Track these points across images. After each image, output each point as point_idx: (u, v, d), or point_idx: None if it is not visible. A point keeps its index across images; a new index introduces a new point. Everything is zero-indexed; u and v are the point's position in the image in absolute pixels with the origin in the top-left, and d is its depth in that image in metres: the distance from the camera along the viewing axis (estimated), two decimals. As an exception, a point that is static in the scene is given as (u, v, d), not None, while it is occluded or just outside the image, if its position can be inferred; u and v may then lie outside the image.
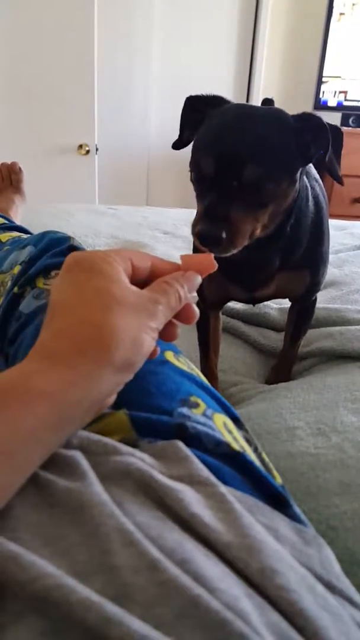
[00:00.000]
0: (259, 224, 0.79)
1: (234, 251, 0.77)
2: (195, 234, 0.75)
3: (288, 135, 0.77)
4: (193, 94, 0.89)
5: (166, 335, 0.50)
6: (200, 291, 1.07)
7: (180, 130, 0.90)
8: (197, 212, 0.78)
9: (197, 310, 0.51)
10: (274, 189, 0.77)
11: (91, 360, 0.39)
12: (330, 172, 0.83)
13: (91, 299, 0.42)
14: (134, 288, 0.44)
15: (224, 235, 0.73)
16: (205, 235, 0.74)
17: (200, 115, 0.84)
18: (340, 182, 0.84)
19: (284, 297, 1.11)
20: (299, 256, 0.95)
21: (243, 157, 0.75)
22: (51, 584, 0.31)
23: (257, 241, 0.84)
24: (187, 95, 0.90)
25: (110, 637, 0.29)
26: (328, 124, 0.80)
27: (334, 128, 0.81)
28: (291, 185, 0.81)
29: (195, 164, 0.79)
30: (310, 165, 1.03)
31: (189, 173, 0.80)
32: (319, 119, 0.79)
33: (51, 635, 0.30)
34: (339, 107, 3.72)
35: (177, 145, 0.91)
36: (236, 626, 0.30)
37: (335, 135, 0.81)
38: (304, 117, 0.79)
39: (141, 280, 0.48)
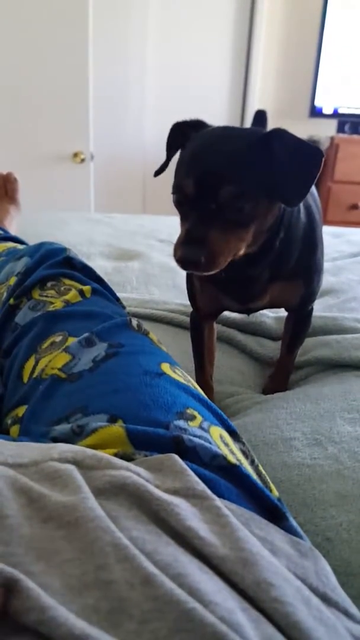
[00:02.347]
0: (243, 243, 0.80)
1: (216, 271, 0.78)
2: (177, 259, 0.77)
3: (262, 153, 0.77)
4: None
5: None
6: (193, 302, 1.08)
7: (167, 156, 0.91)
8: (178, 236, 0.79)
9: None
10: (253, 208, 0.77)
11: None
12: (281, 189, 0.80)
13: None
14: None
15: (202, 259, 0.75)
16: (184, 260, 0.76)
17: (184, 139, 0.85)
18: (288, 205, 0.83)
19: (279, 307, 1.12)
20: (291, 267, 0.95)
21: (218, 178, 0.75)
22: (40, 618, 0.31)
23: (245, 257, 0.84)
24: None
25: None
26: (303, 141, 0.80)
27: (307, 147, 0.80)
28: (272, 203, 0.81)
29: (176, 186, 0.80)
30: None
31: (172, 196, 0.82)
32: (287, 133, 0.79)
33: None
34: (335, 115, 3.74)
35: (162, 169, 0.92)
36: (231, 639, 0.31)
37: (306, 153, 0.80)
38: (274, 133, 0.79)
39: None
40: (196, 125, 0.86)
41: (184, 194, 0.78)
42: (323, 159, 0.79)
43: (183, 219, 0.81)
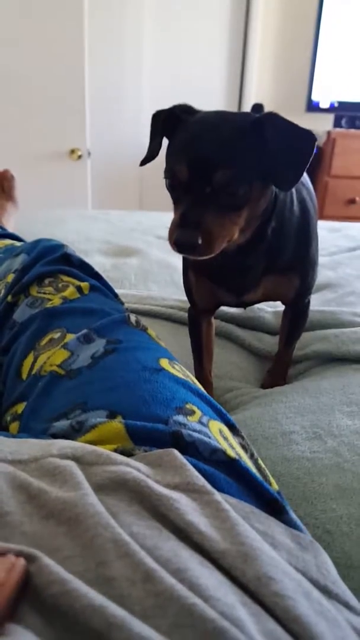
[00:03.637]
0: (236, 227, 0.80)
1: (212, 255, 0.78)
2: (173, 242, 0.76)
3: (255, 136, 0.77)
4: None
5: None
6: (190, 297, 1.08)
7: (150, 144, 0.91)
8: (172, 220, 0.79)
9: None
10: (246, 191, 0.77)
11: None
12: (274, 173, 0.80)
13: None
14: None
15: (199, 241, 0.74)
16: (181, 243, 0.76)
17: (170, 126, 0.85)
18: (281, 189, 0.84)
19: (275, 300, 1.12)
20: (285, 260, 0.95)
21: (213, 162, 0.76)
22: (62, 589, 0.32)
23: (238, 246, 0.84)
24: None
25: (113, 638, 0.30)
26: (295, 125, 0.79)
27: (299, 131, 0.79)
28: (266, 187, 0.81)
29: (169, 171, 0.80)
30: None
31: (165, 181, 0.81)
32: (278, 117, 0.79)
33: None
34: (331, 109, 3.73)
35: (145, 161, 0.92)
36: (231, 635, 0.31)
37: (299, 137, 0.79)
38: (266, 116, 0.79)
39: None
40: (183, 110, 0.86)
41: (177, 179, 0.78)
42: (315, 143, 0.79)
43: (176, 203, 0.81)
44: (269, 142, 0.77)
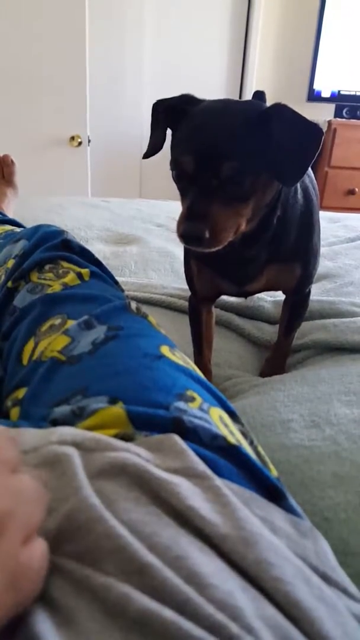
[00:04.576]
0: (243, 219, 0.79)
1: (219, 247, 0.78)
2: (180, 234, 0.77)
3: (262, 128, 0.77)
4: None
5: None
6: (191, 285, 1.08)
7: (152, 135, 0.90)
8: (181, 212, 0.79)
9: None
10: (254, 182, 0.77)
11: None
12: (279, 167, 0.79)
13: None
14: None
15: (207, 234, 0.74)
16: (188, 235, 0.76)
17: (174, 117, 0.84)
18: (285, 184, 0.83)
19: (276, 290, 1.12)
20: (288, 249, 0.95)
21: (219, 154, 0.75)
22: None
23: (242, 235, 0.84)
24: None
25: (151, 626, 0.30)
26: (303, 118, 0.79)
27: (307, 125, 0.79)
28: (271, 179, 0.81)
29: (174, 162, 0.79)
30: None
31: (171, 172, 0.81)
32: (287, 109, 0.79)
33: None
34: (333, 98, 3.72)
35: (149, 154, 0.91)
36: (228, 630, 0.31)
37: (306, 131, 0.79)
38: (274, 108, 0.79)
39: None
40: (184, 101, 0.85)
41: (183, 170, 0.78)
42: (322, 137, 0.79)
43: (183, 195, 0.81)
44: (276, 134, 0.76)
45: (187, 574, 0.34)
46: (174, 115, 0.84)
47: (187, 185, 0.79)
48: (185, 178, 0.79)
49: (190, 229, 0.75)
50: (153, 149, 0.90)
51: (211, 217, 0.75)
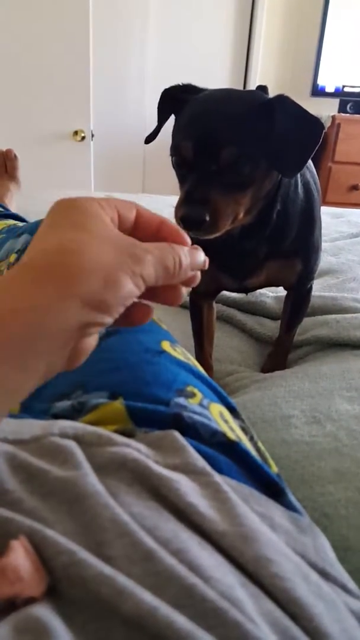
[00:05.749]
0: (242, 207, 0.79)
1: (218, 234, 0.77)
2: (179, 217, 0.75)
3: (263, 117, 0.77)
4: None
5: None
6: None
7: (158, 121, 0.90)
8: (179, 197, 0.78)
9: (183, 291, 0.48)
10: (253, 170, 0.77)
11: (53, 289, 0.34)
12: (279, 158, 0.79)
13: (65, 231, 0.38)
14: (118, 231, 0.40)
15: (207, 217, 0.73)
16: (187, 218, 0.74)
17: (177, 104, 0.84)
18: (284, 175, 0.83)
19: (277, 286, 1.12)
20: (288, 244, 0.95)
21: (220, 140, 0.75)
22: (67, 560, 0.32)
23: (242, 228, 0.83)
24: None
25: (123, 608, 0.30)
26: (305, 111, 0.79)
27: (308, 117, 0.79)
28: (271, 169, 0.81)
29: (175, 148, 0.79)
30: None
31: (171, 158, 0.81)
32: (290, 101, 0.79)
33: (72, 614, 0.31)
34: (337, 93, 3.70)
35: (150, 138, 0.91)
36: (231, 615, 0.31)
37: (307, 123, 0.79)
38: (277, 98, 0.78)
39: (126, 231, 0.43)
40: (188, 90, 0.85)
41: (183, 156, 0.78)
42: (324, 131, 0.78)
43: (182, 181, 0.80)
44: (277, 125, 0.76)
45: (189, 566, 0.34)
46: (176, 103, 0.84)
47: (186, 171, 0.78)
48: (185, 164, 0.78)
49: (190, 212, 0.74)
50: (153, 135, 0.90)
51: (211, 202, 0.74)
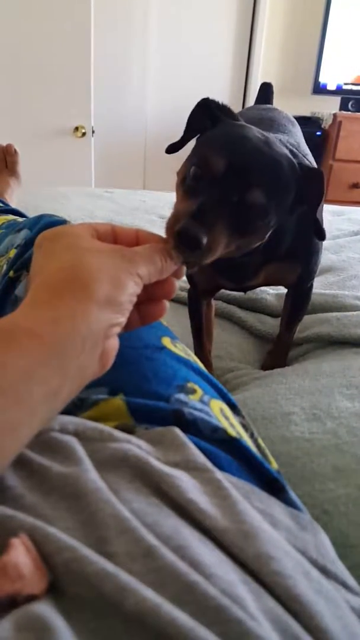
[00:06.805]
0: (234, 246, 0.73)
1: (205, 262, 0.68)
2: (177, 230, 0.62)
3: (293, 181, 0.75)
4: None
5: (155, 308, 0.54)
6: (190, 279, 1.07)
7: (186, 131, 0.84)
8: (178, 209, 0.69)
9: (175, 283, 0.53)
10: (262, 223, 0.73)
11: (71, 299, 0.40)
12: (316, 225, 0.83)
13: (62, 254, 0.44)
14: (104, 243, 0.47)
15: (204, 241, 0.63)
16: (187, 234, 0.63)
17: (210, 119, 0.80)
18: (321, 238, 0.84)
19: (276, 285, 1.11)
20: (286, 250, 0.94)
21: (256, 178, 0.70)
22: (70, 557, 0.32)
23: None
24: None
25: (126, 605, 0.30)
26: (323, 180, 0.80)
27: (323, 185, 0.80)
28: (275, 224, 0.77)
29: (202, 159, 0.71)
30: (302, 148, 1.02)
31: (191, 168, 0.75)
32: (321, 175, 0.78)
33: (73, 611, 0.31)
34: (338, 91, 3.70)
35: (176, 147, 0.85)
36: (233, 612, 0.31)
37: (320, 193, 0.79)
38: (310, 170, 0.77)
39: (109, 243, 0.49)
40: (223, 110, 0.81)
41: (209, 170, 0.70)
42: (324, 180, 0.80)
43: (187, 192, 0.72)
44: (304, 195, 0.77)
45: (190, 562, 0.34)
46: (210, 116, 0.80)
47: (204, 186, 0.70)
48: (206, 178, 0.70)
49: (192, 230, 0.63)
50: (178, 145, 0.85)
51: (215, 230, 0.66)
